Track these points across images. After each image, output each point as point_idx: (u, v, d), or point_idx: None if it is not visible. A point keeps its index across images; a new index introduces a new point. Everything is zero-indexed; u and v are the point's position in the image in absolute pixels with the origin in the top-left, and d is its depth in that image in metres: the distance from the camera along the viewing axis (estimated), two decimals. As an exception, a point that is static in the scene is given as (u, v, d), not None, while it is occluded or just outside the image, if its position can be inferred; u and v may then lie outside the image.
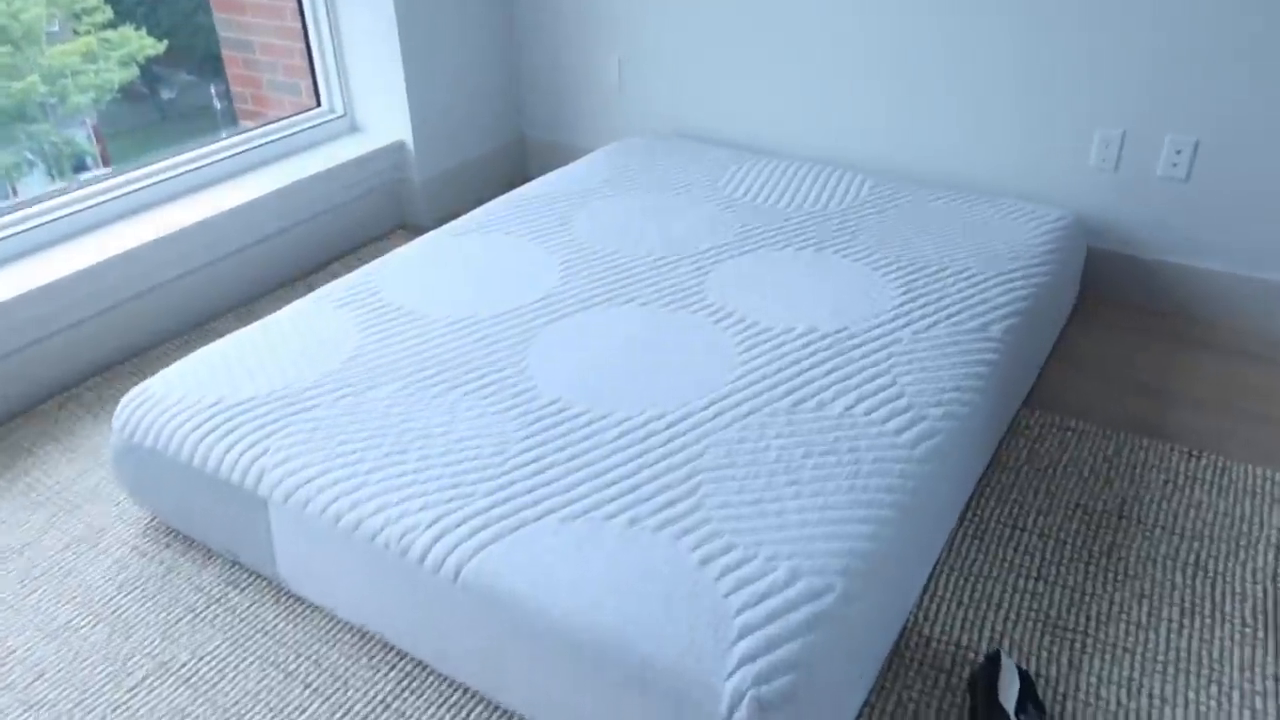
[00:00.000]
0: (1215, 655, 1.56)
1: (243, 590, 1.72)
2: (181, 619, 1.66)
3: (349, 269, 2.83)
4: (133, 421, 1.75)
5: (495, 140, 3.32)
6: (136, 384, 2.30)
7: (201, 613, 1.67)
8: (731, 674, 1.21)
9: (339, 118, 3.02)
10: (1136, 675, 1.53)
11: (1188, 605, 1.65)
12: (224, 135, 2.82)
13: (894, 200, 2.49)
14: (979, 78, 2.55)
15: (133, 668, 1.57)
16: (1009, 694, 1.46)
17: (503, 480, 1.51)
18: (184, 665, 1.57)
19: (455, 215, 3.18)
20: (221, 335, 2.51)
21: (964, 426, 1.68)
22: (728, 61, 2.90)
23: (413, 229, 3.09)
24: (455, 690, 1.51)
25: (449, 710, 1.48)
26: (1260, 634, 1.59)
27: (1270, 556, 1.75)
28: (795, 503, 1.45)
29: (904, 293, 2.03)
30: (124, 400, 1.80)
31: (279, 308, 2.63)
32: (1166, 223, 2.47)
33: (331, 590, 1.59)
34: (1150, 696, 1.50)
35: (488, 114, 3.26)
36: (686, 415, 1.64)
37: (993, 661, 1.51)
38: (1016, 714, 1.42)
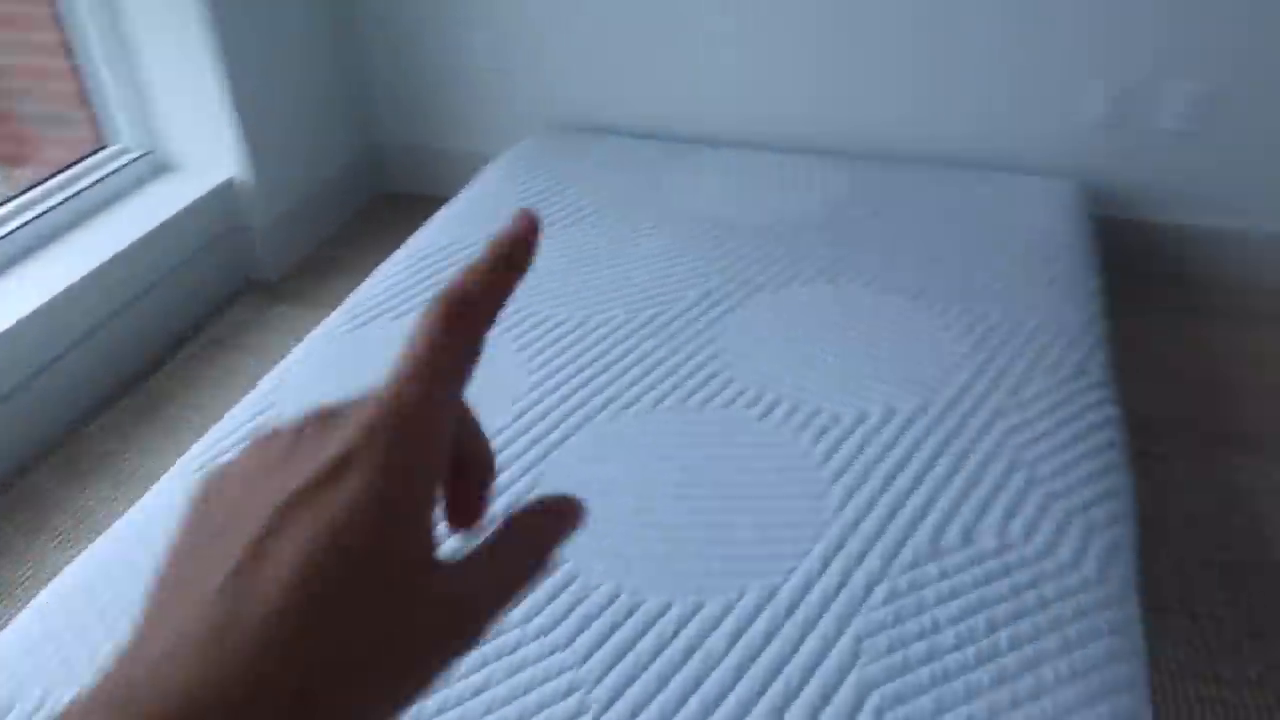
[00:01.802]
0: None
1: None
2: None
3: (192, 369, 2.16)
4: (-33, 743, 1.13)
5: (344, 157, 2.66)
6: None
7: None
8: None
9: (141, 157, 2.29)
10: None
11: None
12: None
13: (883, 194, 2.09)
14: (950, 28, 2.16)
15: None
16: None
17: (604, 767, 1.02)
18: None
19: (309, 261, 2.53)
20: (43, 494, 1.82)
21: (1128, 528, 1.32)
22: (630, 28, 2.38)
23: (260, 288, 2.42)
24: None
25: None
26: None
27: None
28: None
29: (965, 331, 1.64)
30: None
31: (112, 441, 1.95)
32: (1177, 181, 2.20)
33: None
34: None
35: (335, 127, 2.60)
36: (794, 601, 1.20)
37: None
38: None
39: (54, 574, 1.64)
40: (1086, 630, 1.14)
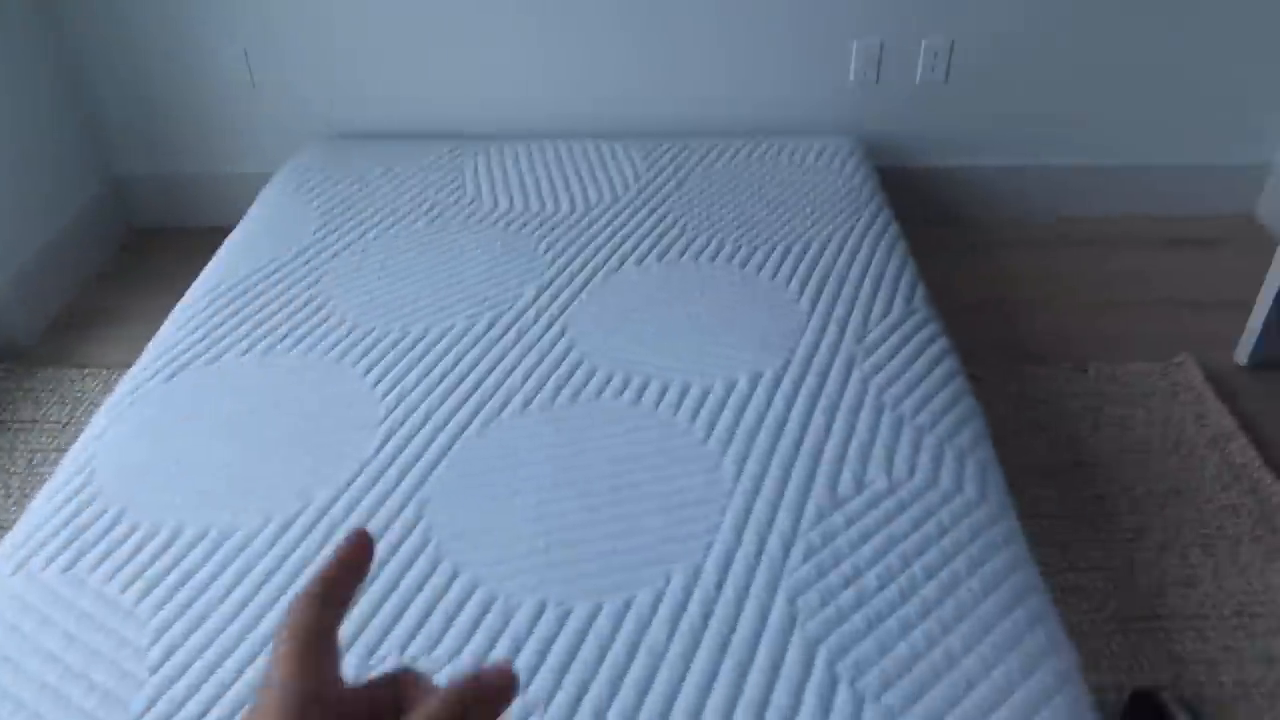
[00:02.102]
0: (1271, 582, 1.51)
1: None
2: None
3: (-49, 449, 1.86)
4: None
5: (83, 197, 2.37)
6: None
7: None
8: None
9: None
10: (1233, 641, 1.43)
11: (1211, 542, 1.58)
12: None
13: (682, 170, 2.12)
14: (720, 9, 2.22)
15: None
16: (1192, 738, 1.28)
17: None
18: None
19: (67, 316, 2.24)
20: None
21: (988, 448, 1.42)
22: (395, 27, 2.27)
23: (14, 355, 2.11)
24: None
25: None
26: None
27: (1217, 458, 1.75)
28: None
29: (799, 289, 1.70)
30: None
31: None
32: (933, 127, 2.38)
33: None
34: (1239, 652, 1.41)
35: (67, 166, 2.31)
36: (720, 576, 1.20)
37: (1144, 703, 1.32)
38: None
39: None
40: (984, 547, 1.22)
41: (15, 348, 2.12)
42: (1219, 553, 1.57)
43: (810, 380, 1.48)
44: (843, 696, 1.05)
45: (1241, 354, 1.96)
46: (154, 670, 1.10)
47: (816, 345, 1.56)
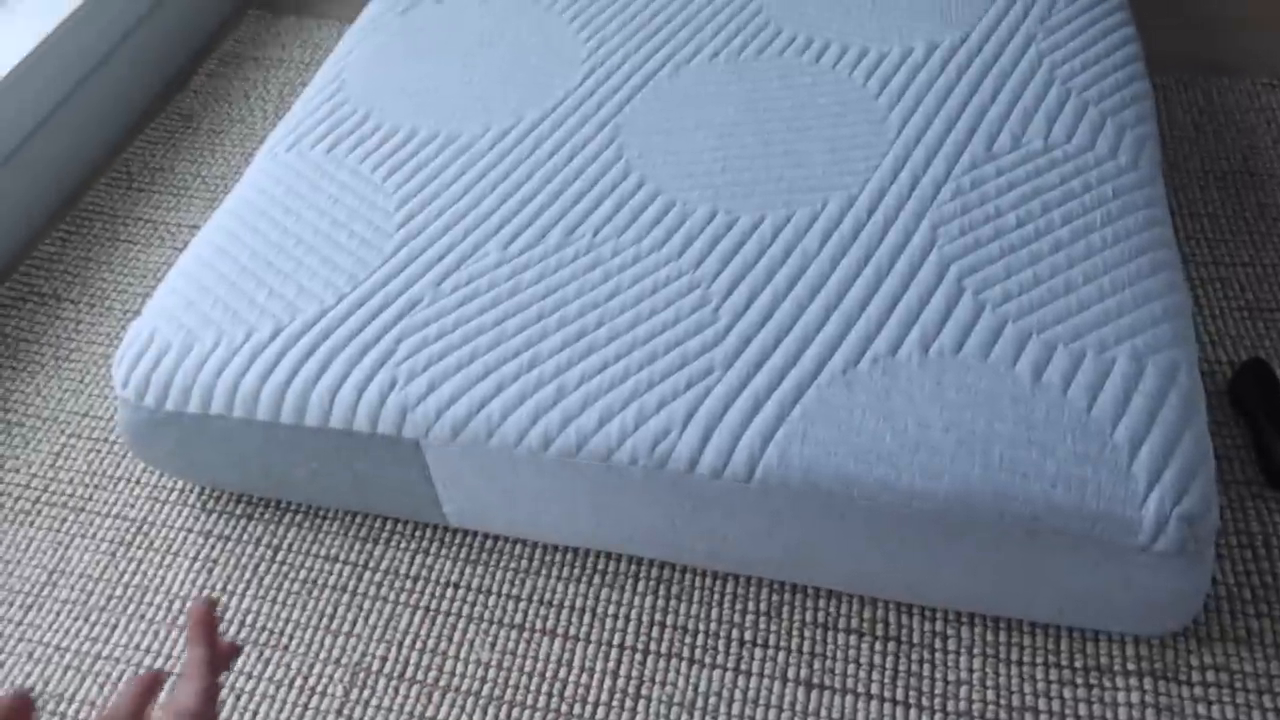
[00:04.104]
0: None
1: (399, 547, 1.38)
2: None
3: (218, 86, 2.16)
4: (158, 384, 1.27)
5: None
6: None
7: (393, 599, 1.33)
8: (1144, 500, 1.05)
9: None
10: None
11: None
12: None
13: None
14: None
15: None
16: (1292, 403, 1.39)
17: (713, 356, 1.20)
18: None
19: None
20: (106, 207, 1.89)
21: (1153, 125, 1.47)
22: None
23: (265, 3, 2.37)
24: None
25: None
26: None
27: (1403, 179, 1.72)
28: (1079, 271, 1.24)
29: (992, -29, 1.71)
30: (123, 354, 1.30)
31: (159, 156, 1.99)
32: None
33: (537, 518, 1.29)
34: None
35: None
36: (873, 205, 1.35)
37: (1254, 370, 1.43)
38: (1312, 422, 1.37)
39: (142, 276, 1.76)
40: (1125, 204, 1.32)
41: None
42: (1373, 264, 1.59)
43: (985, 54, 1.54)
44: (966, 303, 1.21)
45: None
46: (400, 226, 1.37)
47: (997, 23, 1.60)
